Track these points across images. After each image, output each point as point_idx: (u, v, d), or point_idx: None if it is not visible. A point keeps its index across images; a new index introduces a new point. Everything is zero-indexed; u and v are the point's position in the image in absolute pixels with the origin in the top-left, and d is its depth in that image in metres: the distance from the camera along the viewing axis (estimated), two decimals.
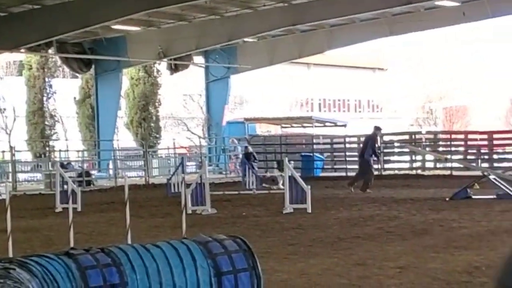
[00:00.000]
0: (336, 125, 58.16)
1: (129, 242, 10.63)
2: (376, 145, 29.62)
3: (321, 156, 41.69)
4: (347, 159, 41.44)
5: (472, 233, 15.33)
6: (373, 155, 28.15)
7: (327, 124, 58.95)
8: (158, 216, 21.17)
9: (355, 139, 42.59)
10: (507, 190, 22.98)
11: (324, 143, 44.38)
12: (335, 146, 43.44)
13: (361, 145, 30.56)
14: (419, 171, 38.79)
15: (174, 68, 43.98)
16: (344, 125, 56.98)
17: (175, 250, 8.80)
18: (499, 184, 23.61)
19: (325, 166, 41.49)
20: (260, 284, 8.90)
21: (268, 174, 33.64)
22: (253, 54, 44.81)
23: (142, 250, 8.74)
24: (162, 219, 20.07)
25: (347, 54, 66.08)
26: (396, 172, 39.01)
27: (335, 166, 41.89)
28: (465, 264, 11.63)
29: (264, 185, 30.08)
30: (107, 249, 8.31)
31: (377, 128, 29.44)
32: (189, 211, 20.23)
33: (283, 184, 22.98)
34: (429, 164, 39.80)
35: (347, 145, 42.85)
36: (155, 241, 9.28)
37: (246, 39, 41.49)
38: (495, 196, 22.71)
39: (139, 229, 17.11)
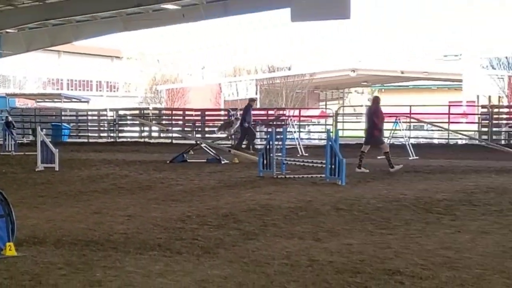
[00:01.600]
0: (80, 101, 58.04)
1: None
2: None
3: (68, 126, 41.57)
4: (89, 128, 41.47)
5: (186, 189, 15.55)
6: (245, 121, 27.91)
7: (73, 100, 58.68)
8: None
9: (96, 112, 42.74)
10: (214, 155, 23.55)
11: (70, 115, 44.19)
12: (79, 118, 43.30)
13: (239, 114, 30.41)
14: (147, 139, 39.01)
15: None
16: (87, 101, 57.01)
17: None
18: (208, 151, 24.15)
19: (71, 134, 41.22)
20: (14, 228, 8.75)
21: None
22: (14, 43, 44.20)
23: None
24: None
25: (91, 44, 65.73)
26: (128, 139, 39.05)
27: (79, 134, 41.58)
28: (180, 214, 11.80)
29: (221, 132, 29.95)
30: None
31: (252, 100, 29.36)
32: None
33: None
34: (154, 134, 40.07)
35: (89, 117, 42.72)
36: None
37: (8, 30, 40.76)
38: (205, 160, 23.20)
39: None
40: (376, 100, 21.00)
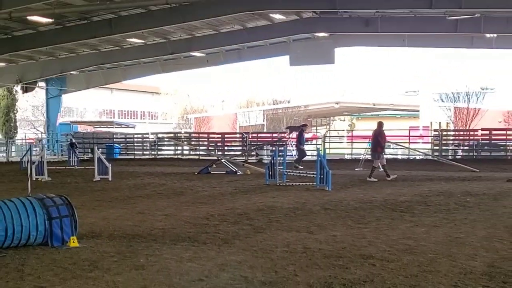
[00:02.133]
0: (128, 127, 58.06)
1: None
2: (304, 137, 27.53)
3: (118, 146, 41.57)
4: (135, 147, 41.49)
5: (210, 194, 15.55)
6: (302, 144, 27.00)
7: (122, 126, 58.78)
8: (14, 181, 20.13)
9: (140, 135, 42.79)
10: (231, 168, 23.50)
11: (120, 138, 44.20)
12: (127, 139, 43.26)
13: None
14: (179, 156, 38.97)
15: (25, 90, 43.12)
16: (133, 127, 57.04)
17: (23, 203, 8.56)
18: (227, 165, 24.11)
19: (121, 152, 41.22)
20: (76, 225, 8.82)
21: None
22: (76, 82, 44.38)
23: (1, 203, 8.44)
24: (16, 184, 19.09)
25: (136, 83, 65.97)
26: (165, 156, 39.04)
27: (128, 152, 41.54)
28: (205, 213, 11.80)
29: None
30: None
31: (304, 125, 28.70)
32: (34, 179, 19.57)
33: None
34: (185, 152, 40.04)
35: (135, 139, 42.68)
36: (11, 197, 8.88)
37: (72, 72, 40.92)
38: (225, 172, 23.14)
39: (0, 190, 16.42)
40: (380, 125, 20.70)
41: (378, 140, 20.04)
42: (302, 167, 24.67)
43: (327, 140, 36.77)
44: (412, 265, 7.11)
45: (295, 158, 27.04)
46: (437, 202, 13.15)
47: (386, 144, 21.51)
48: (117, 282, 6.60)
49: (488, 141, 33.89)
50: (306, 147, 28.74)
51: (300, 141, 26.81)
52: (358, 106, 64.70)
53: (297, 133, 27.33)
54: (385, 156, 21.19)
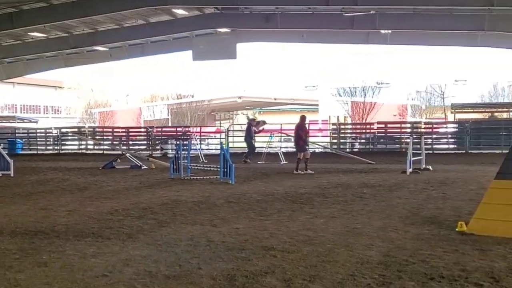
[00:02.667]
0: (31, 122, 56.21)
1: None
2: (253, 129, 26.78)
3: (21, 141, 40.21)
4: (38, 142, 40.26)
5: (114, 189, 15.25)
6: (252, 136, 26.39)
7: (25, 121, 56.83)
8: None
9: (43, 130, 41.50)
10: (136, 162, 23.22)
11: (23, 133, 42.70)
12: (30, 134, 41.90)
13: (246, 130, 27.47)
14: (84, 151, 38.12)
15: None
16: (36, 122, 55.22)
17: None
18: (132, 159, 23.79)
19: (23, 147, 39.88)
20: None
21: None
22: None
23: None
24: None
25: (39, 77, 63.86)
26: (69, 151, 38.09)
27: (30, 147, 40.23)
28: (109, 208, 11.57)
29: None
30: None
31: (252, 120, 27.30)
32: None
33: None
34: (89, 147, 39.17)
35: (38, 134, 41.35)
36: None
37: None
38: (129, 167, 22.82)
39: None
40: (302, 118, 20.83)
41: (300, 134, 20.28)
42: (249, 162, 24.70)
43: (230, 134, 36.95)
44: (311, 255, 7.23)
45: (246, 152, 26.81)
46: (335, 194, 13.45)
47: (307, 136, 21.77)
48: (19, 280, 6.37)
49: (384, 134, 35.05)
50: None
51: (250, 134, 26.52)
52: (260, 100, 65.43)
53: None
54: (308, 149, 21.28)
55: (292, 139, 22.44)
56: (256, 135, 26.93)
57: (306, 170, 19.59)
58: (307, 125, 22.15)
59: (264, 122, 28.80)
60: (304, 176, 18.50)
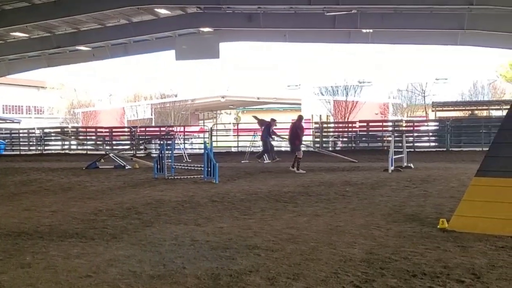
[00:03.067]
0: (13, 122, 55.66)
1: None
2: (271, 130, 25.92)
3: (3, 141, 39.86)
4: (21, 143, 39.93)
5: (98, 189, 15.20)
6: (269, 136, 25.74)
7: (7, 121, 56.32)
8: None
9: (26, 130, 41.17)
10: (120, 162, 23.11)
11: (5, 133, 42.26)
12: (13, 135, 41.49)
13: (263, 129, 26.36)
14: (67, 151, 37.86)
15: None
16: (19, 122, 54.70)
17: None
18: (115, 159, 23.68)
19: (6, 148, 39.55)
20: None
21: None
22: None
23: None
24: None
25: (22, 77, 63.13)
26: (52, 151, 37.80)
27: (13, 148, 39.88)
28: (93, 208, 11.53)
29: None
30: None
31: (273, 120, 26.90)
32: None
33: None
34: (73, 147, 38.88)
35: (21, 134, 40.97)
36: None
37: None
38: (113, 167, 22.71)
39: None
40: (299, 118, 20.88)
41: (297, 133, 20.30)
42: (260, 161, 24.66)
43: (214, 133, 36.90)
44: (295, 254, 7.25)
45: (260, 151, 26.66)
46: (318, 192, 13.48)
47: (303, 136, 21.77)
48: (3, 281, 6.32)
49: (366, 133, 35.18)
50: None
51: (267, 134, 26.24)
52: (243, 100, 65.35)
53: (263, 126, 26.43)
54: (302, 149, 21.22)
55: (287, 138, 22.34)
56: (273, 135, 26.63)
57: (298, 170, 19.62)
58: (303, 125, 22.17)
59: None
60: (288, 175, 18.53)
